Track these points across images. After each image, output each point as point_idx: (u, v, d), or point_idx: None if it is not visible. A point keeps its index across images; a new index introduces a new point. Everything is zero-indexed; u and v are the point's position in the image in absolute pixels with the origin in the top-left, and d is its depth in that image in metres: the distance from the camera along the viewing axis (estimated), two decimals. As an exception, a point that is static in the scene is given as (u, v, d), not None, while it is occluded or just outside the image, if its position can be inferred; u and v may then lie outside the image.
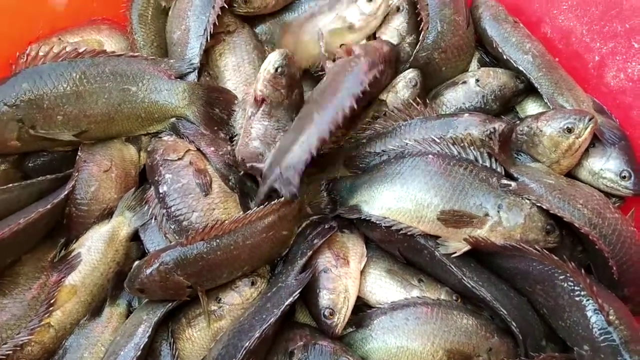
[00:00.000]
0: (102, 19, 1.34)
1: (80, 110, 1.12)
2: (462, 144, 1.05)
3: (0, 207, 1.05)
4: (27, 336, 0.96)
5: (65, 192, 1.04)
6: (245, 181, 1.14)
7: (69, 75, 1.11)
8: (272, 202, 1.04)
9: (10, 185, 1.06)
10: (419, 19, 1.20)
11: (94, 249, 1.07)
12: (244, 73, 1.27)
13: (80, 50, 1.13)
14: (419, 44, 1.21)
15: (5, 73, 1.11)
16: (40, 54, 1.11)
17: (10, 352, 0.94)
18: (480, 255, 1.04)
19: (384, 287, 1.06)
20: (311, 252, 1.03)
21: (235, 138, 1.15)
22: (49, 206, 1.01)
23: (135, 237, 1.13)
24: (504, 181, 1.01)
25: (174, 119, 1.19)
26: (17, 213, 1.04)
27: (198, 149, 1.16)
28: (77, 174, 1.09)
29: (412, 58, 1.21)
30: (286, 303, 0.95)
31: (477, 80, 1.21)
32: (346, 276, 1.02)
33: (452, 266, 1.01)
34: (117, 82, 1.15)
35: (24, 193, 1.07)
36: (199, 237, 0.99)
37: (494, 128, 1.04)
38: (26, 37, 1.24)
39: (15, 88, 1.07)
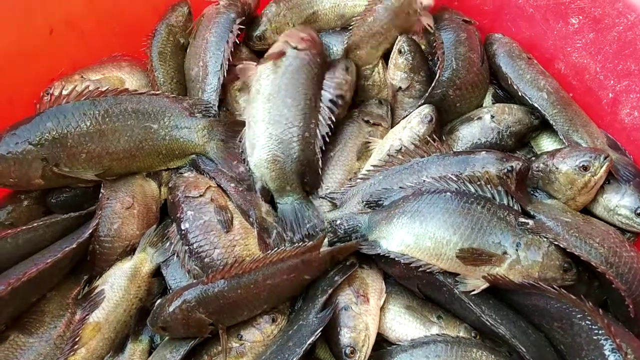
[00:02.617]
0: (122, 54, 1.36)
1: (103, 148, 1.14)
2: (479, 182, 1.07)
3: (26, 246, 1.07)
4: (54, 375, 0.97)
5: (90, 231, 1.06)
6: (265, 217, 1.16)
7: (92, 114, 1.13)
8: (296, 245, 1.05)
9: (35, 224, 1.08)
10: (436, 57, 1.22)
11: (117, 285, 1.08)
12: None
13: (103, 89, 1.15)
14: (435, 80, 1.23)
15: (30, 112, 1.12)
16: (64, 92, 1.13)
17: (39, 392, 0.96)
18: (499, 292, 1.05)
19: (403, 324, 1.07)
20: (332, 289, 1.04)
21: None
22: (74, 245, 1.03)
23: (156, 272, 1.14)
24: (522, 219, 1.03)
25: (194, 155, 1.21)
26: (42, 251, 1.06)
27: (218, 185, 1.17)
28: (100, 211, 1.11)
29: (427, 94, 1.23)
30: (308, 342, 0.97)
31: (493, 117, 1.23)
32: (366, 313, 1.04)
33: (471, 303, 1.02)
34: (139, 119, 1.17)
35: (48, 231, 1.09)
36: (219, 276, 1.01)
37: (512, 167, 1.06)
38: (48, 75, 1.26)
39: (40, 127, 1.10)
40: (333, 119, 1.17)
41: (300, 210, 1.16)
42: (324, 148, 1.17)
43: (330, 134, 1.18)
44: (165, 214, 1.21)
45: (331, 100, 1.19)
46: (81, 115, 1.12)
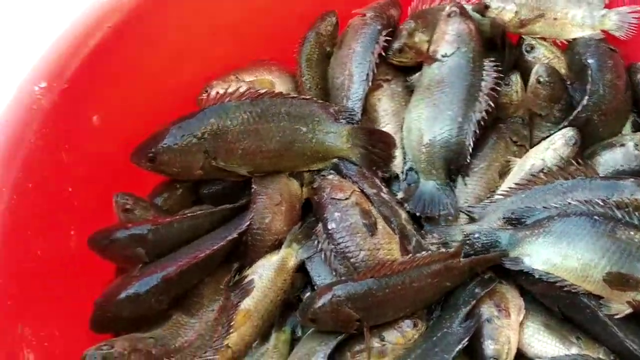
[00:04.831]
0: (269, 59, 1.43)
1: (257, 146, 1.20)
2: (627, 209, 1.08)
3: (189, 231, 1.14)
4: (213, 356, 1.03)
5: (247, 222, 1.12)
6: (405, 225, 1.20)
7: (251, 114, 1.20)
8: (440, 251, 1.09)
9: (198, 212, 1.15)
10: (587, 85, 1.23)
11: (265, 276, 1.14)
12: (402, 119, 1.33)
13: (262, 91, 1.22)
14: (580, 105, 1.25)
15: (192, 108, 1.20)
16: (221, 91, 1.21)
17: (203, 370, 1.02)
18: (641, 319, 1.06)
19: (542, 341, 1.09)
20: (475, 301, 1.07)
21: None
22: (235, 235, 1.10)
23: (299, 268, 1.19)
24: (673, 249, 1.03)
25: (336, 159, 1.26)
26: (203, 238, 1.13)
27: (361, 191, 1.22)
28: (254, 205, 1.17)
29: (571, 117, 1.25)
30: (456, 350, 1.00)
31: (637, 145, 1.23)
32: (508, 327, 1.06)
33: (615, 327, 1.04)
34: (291, 122, 1.23)
35: (207, 220, 1.16)
36: (369, 274, 1.06)
37: (663, 196, 1.06)
38: (205, 75, 1.33)
39: (204, 122, 1.17)
40: (490, 107, 1.22)
41: (439, 196, 1.22)
42: (478, 133, 1.22)
43: (484, 122, 1.23)
44: (305, 214, 1.26)
45: (492, 89, 1.23)
46: (241, 114, 1.19)
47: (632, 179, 1.12)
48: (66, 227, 1.10)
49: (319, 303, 1.05)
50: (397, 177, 1.30)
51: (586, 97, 1.24)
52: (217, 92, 1.21)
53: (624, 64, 1.31)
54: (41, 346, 0.99)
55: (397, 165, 1.29)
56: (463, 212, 1.23)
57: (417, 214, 1.22)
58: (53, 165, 1.08)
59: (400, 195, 1.26)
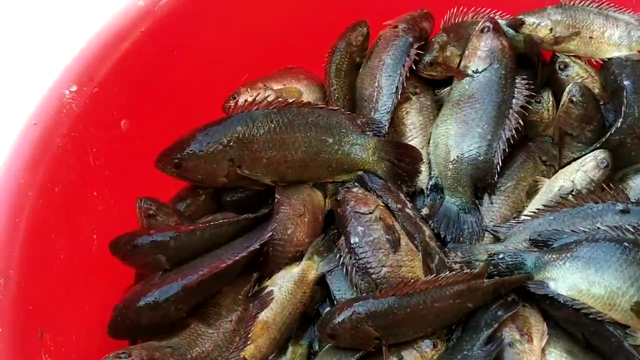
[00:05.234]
0: (297, 67, 1.43)
1: (282, 155, 1.20)
2: (659, 237, 1.05)
3: (210, 240, 1.14)
4: (230, 367, 1.03)
5: (270, 233, 1.12)
6: (429, 242, 1.18)
7: (278, 123, 1.19)
8: (463, 272, 1.07)
9: (220, 221, 1.15)
10: (622, 107, 1.21)
11: (285, 288, 1.13)
12: (429, 133, 1.31)
13: (290, 101, 1.21)
14: (614, 127, 1.22)
15: (220, 115, 1.19)
16: (249, 99, 1.20)
17: (219, 382, 1.02)
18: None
19: (564, 368, 1.06)
20: (497, 324, 1.05)
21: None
22: (257, 245, 1.09)
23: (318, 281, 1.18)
24: None
25: (361, 171, 1.25)
26: (225, 247, 1.13)
27: (385, 205, 1.21)
28: (276, 216, 1.16)
29: (604, 139, 1.23)
30: (475, 373, 0.98)
31: (670, 170, 1.20)
32: (530, 353, 1.04)
33: (640, 358, 1.01)
34: (318, 132, 1.22)
35: (229, 229, 1.16)
36: (391, 292, 1.04)
37: (695, 225, 1.03)
38: (234, 82, 1.33)
39: (231, 129, 1.17)
40: (520, 125, 1.21)
41: (464, 215, 1.20)
42: (507, 152, 1.20)
43: (514, 140, 1.21)
44: (326, 225, 1.25)
45: (522, 107, 1.22)
46: (268, 123, 1.18)
47: (664, 206, 1.09)
48: (89, 231, 1.11)
49: (339, 319, 1.04)
50: (421, 191, 1.28)
51: (620, 120, 1.21)
52: (245, 100, 1.20)
53: (661, 87, 1.27)
54: (59, 351, 1.00)
55: (422, 180, 1.27)
56: (488, 231, 1.21)
57: (441, 233, 1.20)
58: (79, 169, 1.08)
59: (424, 211, 1.24)
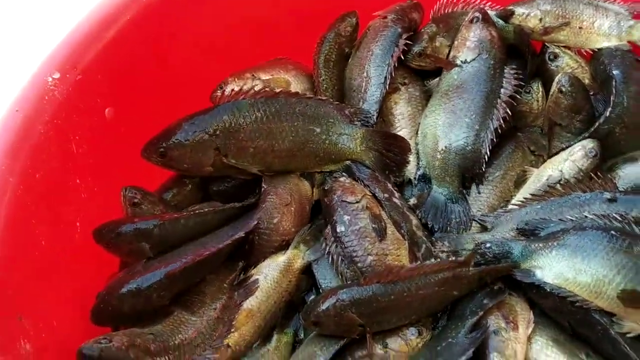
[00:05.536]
0: (286, 58, 1.42)
1: (269, 145, 1.19)
2: (645, 225, 1.04)
3: (195, 228, 1.13)
4: (213, 355, 1.02)
5: (255, 222, 1.11)
6: (415, 231, 1.17)
7: (265, 112, 1.18)
8: (449, 260, 1.07)
9: (205, 209, 1.14)
10: (611, 97, 1.20)
11: (270, 277, 1.13)
12: (418, 124, 1.31)
13: (277, 90, 1.21)
14: (603, 116, 1.21)
15: (207, 105, 1.19)
16: (236, 88, 1.19)
17: (201, 368, 1.01)
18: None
19: (550, 357, 1.06)
20: (482, 312, 1.04)
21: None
22: (242, 234, 1.09)
23: (305, 270, 1.18)
24: (692, 269, 0.99)
25: (349, 161, 1.24)
26: (209, 236, 1.12)
27: (373, 195, 1.20)
28: (263, 205, 1.16)
29: (592, 129, 1.22)
30: (460, 360, 0.97)
31: (660, 159, 1.19)
32: (516, 341, 1.03)
33: (626, 346, 1.00)
34: (305, 122, 1.22)
35: (215, 217, 1.15)
36: (375, 279, 1.04)
37: (685, 213, 1.03)
38: (222, 71, 1.33)
39: (217, 119, 1.16)
40: (508, 114, 1.20)
41: (451, 204, 1.20)
42: (495, 141, 1.20)
43: (502, 130, 1.21)
44: (314, 215, 1.25)
45: (511, 97, 1.22)
46: (255, 112, 1.18)
47: (653, 194, 1.08)
48: (72, 219, 1.10)
49: (323, 306, 1.03)
50: (409, 182, 1.28)
51: (609, 109, 1.20)
52: (232, 90, 1.20)
53: (651, 77, 1.26)
54: (38, 337, 0.99)
55: (411, 170, 1.27)
56: (476, 220, 1.20)
57: (429, 223, 1.19)
58: (62, 156, 1.08)
59: (412, 201, 1.23)
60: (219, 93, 1.28)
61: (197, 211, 1.14)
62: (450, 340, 1.03)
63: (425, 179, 1.26)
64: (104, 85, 1.14)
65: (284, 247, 1.18)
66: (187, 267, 1.04)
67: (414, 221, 1.20)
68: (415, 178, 1.27)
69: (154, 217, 1.12)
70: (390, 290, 1.03)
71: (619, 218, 1.06)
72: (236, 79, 1.32)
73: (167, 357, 0.99)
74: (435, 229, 1.20)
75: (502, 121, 1.22)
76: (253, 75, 1.33)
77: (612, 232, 1.05)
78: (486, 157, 1.21)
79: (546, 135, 1.29)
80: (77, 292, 1.07)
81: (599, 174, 1.15)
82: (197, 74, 1.28)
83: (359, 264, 1.11)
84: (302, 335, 1.15)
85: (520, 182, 1.25)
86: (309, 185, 1.26)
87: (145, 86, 1.21)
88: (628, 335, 1.01)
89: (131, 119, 1.19)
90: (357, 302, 1.03)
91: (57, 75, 1.06)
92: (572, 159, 1.19)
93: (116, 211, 1.15)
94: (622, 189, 1.17)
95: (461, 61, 1.27)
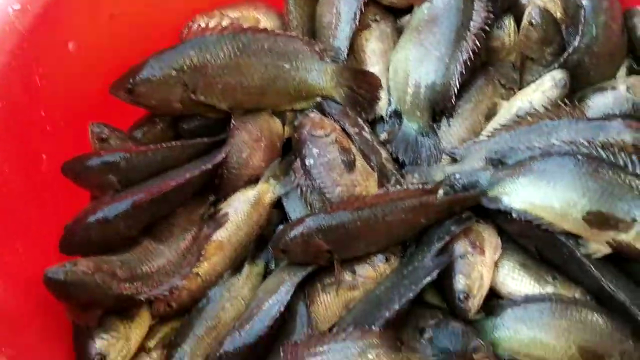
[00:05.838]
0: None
1: (237, 81, 1.19)
2: (612, 149, 1.04)
3: (163, 162, 1.14)
4: (181, 281, 1.03)
5: (223, 155, 1.11)
6: (385, 163, 1.18)
7: (232, 48, 1.18)
8: (415, 186, 1.07)
9: (173, 144, 1.14)
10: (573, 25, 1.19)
11: (240, 210, 1.13)
12: (390, 61, 1.30)
13: (245, 26, 1.19)
14: (572, 46, 1.21)
15: (174, 41, 1.18)
16: (203, 25, 1.18)
17: (167, 293, 1.02)
18: (620, 262, 1.03)
19: (516, 280, 1.07)
20: (449, 237, 1.05)
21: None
22: (209, 166, 1.09)
23: (276, 205, 1.18)
24: (656, 189, 1.00)
25: (319, 98, 1.24)
26: (178, 170, 1.12)
27: (342, 129, 1.20)
28: (232, 139, 1.16)
29: (562, 59, 1.21)
30: (424, 281, 0.99)
31: (629, 87, 1.19)
32: (482, 264, 1.04)
33: (592, 267, 1.01)
34: (274, 58, 1.21)
35: (183, 152, 1.16)
36: (342, 206, 1.05)
37: (650, 135, 1.03)
38: (190, 9, 1.31)
39: (183, 54, 1.15)
40: (478, 47, 1.19)
41: (422, 138, 1.20)
42: (464, 74, 1.19)
43: (472, 63, 1.19)
44: (285, 152, 1.25)
45: (480, 29, 1.20)
46: (221, 48, 1.17)
47: (619, 120, 1.08)
48: (37, 150, 1.09)
49: (291, 234, 1.04)
50: (381, 119, 1.28)
51: (578, 38, 1.20)
52: (199, 26, 1.18)
53: (621, 7, 1.25)
54: (6, 271, 0.99)
55: (382, 107, 1.26)
56: (446, 153, 1.20)
57: (400, 157, 1.19)
58: (25, 87, 1.07)
59: (383, 136, 1.23)
60: (186, 30, 1.26)
61: (165, 145, 1.13)
62: (416, 264, 1.04)
63: (396, 114, 1.26)
64: (67, 19, 1.13)
65: (253, 181, 1.18)
66: (154, 198, 1.04)
67: (384, 154, 1.20)
68: (387, 114, 1.26)
69: (121, 150, 1.12)
70: (357, 217, 1.04)
71: (586, 143, 1.06)
72: (204, 17, 1.31)
73: (134, 283, 1.00)
74: (406, 163, 1.20)
75: (471, 54, 1.21)
76: (222, 13, 1.33)
77: (579, 156, 1.05)
78: (456, 90, 1.21)
79: (518, 70, 1.28)
80: (46, 224, 1.07)
81: (566, 101, 1.14)
82: (165, 14, 1.27)
83: (327, 195, 1.12)
84: (273, 266, 1.15)
85: (490, 115, 1.24)
86: (279, 123, 1.26)
87: (111, 23, 1.20)
88: (593, 257, 1.02)
89: (98, 55, 1.18)
90: (324, 228, 1.04)
91: (17, 7, 1.05)
92: (541, 89, 1.19)
93: (86, 147, 1.14)
94: (591, 117, 1.16)
95: None
